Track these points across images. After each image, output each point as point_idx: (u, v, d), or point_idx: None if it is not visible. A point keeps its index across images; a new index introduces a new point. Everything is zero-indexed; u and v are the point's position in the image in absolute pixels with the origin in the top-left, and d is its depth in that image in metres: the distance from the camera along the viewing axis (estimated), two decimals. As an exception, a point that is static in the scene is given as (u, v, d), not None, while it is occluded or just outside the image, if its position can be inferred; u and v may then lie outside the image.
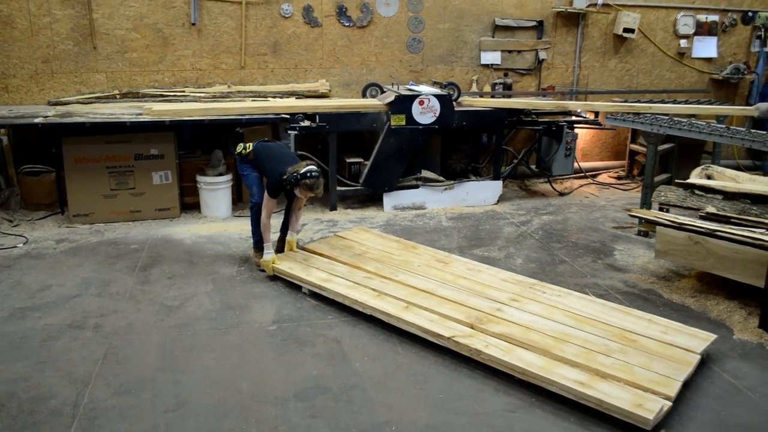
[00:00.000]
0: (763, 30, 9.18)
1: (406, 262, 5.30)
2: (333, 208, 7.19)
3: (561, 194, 8.22)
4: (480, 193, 7.58)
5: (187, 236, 6.32)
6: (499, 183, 7.69)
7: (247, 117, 6.66)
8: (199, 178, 6.89)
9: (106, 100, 7.25)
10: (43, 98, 7.27)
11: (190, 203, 7.07)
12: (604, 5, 8.69)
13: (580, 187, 8.55)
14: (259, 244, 5.50)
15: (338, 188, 7.19)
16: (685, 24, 9.10)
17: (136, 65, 7.49)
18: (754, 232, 4.67)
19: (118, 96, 7.31)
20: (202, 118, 6.55)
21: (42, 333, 4.33)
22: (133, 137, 6.58)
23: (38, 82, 7.27)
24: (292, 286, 5.08)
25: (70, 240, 6.15)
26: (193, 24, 7.48)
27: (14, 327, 4.41)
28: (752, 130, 6.09)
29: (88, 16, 7.20)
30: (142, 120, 6.38)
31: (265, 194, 5.22)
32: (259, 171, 5.50)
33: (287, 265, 5.19)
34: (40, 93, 7.29)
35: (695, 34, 9.18)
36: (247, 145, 5.60)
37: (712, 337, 4.13)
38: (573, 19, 8.72)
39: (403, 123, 7.01)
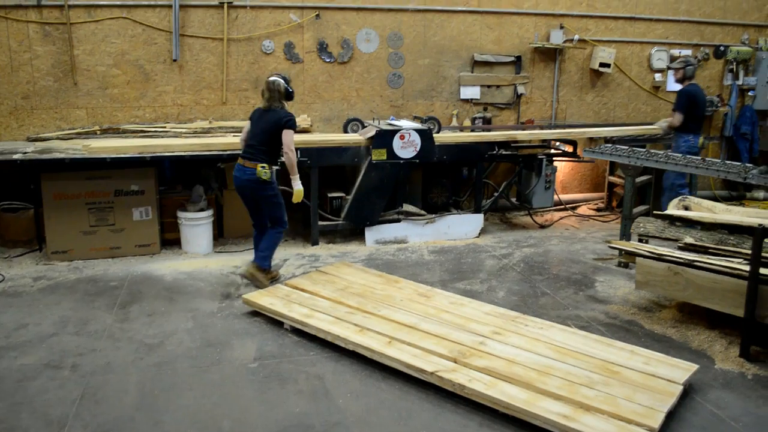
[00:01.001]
0: (734, 64, 9.42)
1: (389, 297, 5.28)
2: (315, 243, 7.18)
3: (542, 227, 8.27)
4: (461, 227, 7.61)
5: (167, 272, 6.26)
6: (480, 216, 7.73)
7: (228, 152, 6.66)
8: (180, 213, 6.85)
9: (86, 135, 7.23)
10: (23, 134, 7.24)
11: (170, 239, 7.02)
12: (580, 41, 8.86)
13: (561, 219, 8.62)
14: (268, 265, 5.79)
15: (320, 223, 7.18)
16: (660, 58, 9.30)
17: (117, 101, 7.50)
18: (732, 261, 4.73)
19: (98, 132, 7.30)
20: (142, 155, 6.39)
21: (18, 373, 4.24)
22: (113, 173, 6.56)
23: (18, 117, 7.24)
24: (274, 322, 5.03)
25: (48, 277, 6.08)
26: (175, 60, 7.52)
27: (-11, 367, 4.32)
28: (727, 162, 6.20)
29: (69, 52, 7.22)
30: (123, 156, 6.36)
31: (291, 133, 5.52)
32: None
33: (268, 301, 5.16)
34: (19, 129, 7.26)
35: (669, 68, 9.37)
36: (264, 166, 5.53)
37: (694, 367, 4.14)
38: (550, 55, 8.88)
39: (385, 157, 7.05)
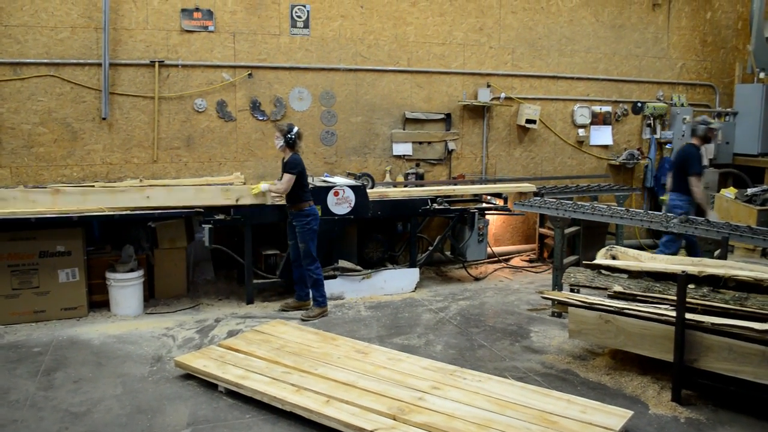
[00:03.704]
0: (651, 119, 9.95)
1: (326, 355, 5.21)
2: (250, 302, 7.05)
3: (476, 279, 8.38)
4: (397, 281, 7.63)
5: (95, 336, 6.02)
6: (416, 270, 7.78)
7: (159, 211, 6.53)
8: (109, 274, 6.63)
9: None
10: (-60, 196, 6.93)
11: (98, 301, 6.76)
12: (507, 98, 9.20)
13: (495, 271, 8.76)
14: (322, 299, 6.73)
15: (255, 281, 7.08)
16: (582, 114, 9.73)
17: (43, 160, 7.30)
18: (659, 308, 4.89)
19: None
20: (69, 214, 6.21)
21: (-71, 450, 3.97)
22: (38, 234, 6.32)
23: (-65, 179, 6.96)
24: (208, 384, 4.88)
25: (-35, 346, 5.76)
26: (104, 118, 7.41)
27: None
28: (650, 212, 6.47)
29: (-8, 111, 7.04)
30: (48, 216, 6.15)
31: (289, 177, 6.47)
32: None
33: (202, 363, 5.01)
34: (-64, 191, 6.96)
35: (591, 123, 9.82)
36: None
37: (629, 413, 4.22)
38: (479, 112, 9.17)
39: (319, 214, 7.05)
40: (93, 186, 7.22)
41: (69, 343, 5.85)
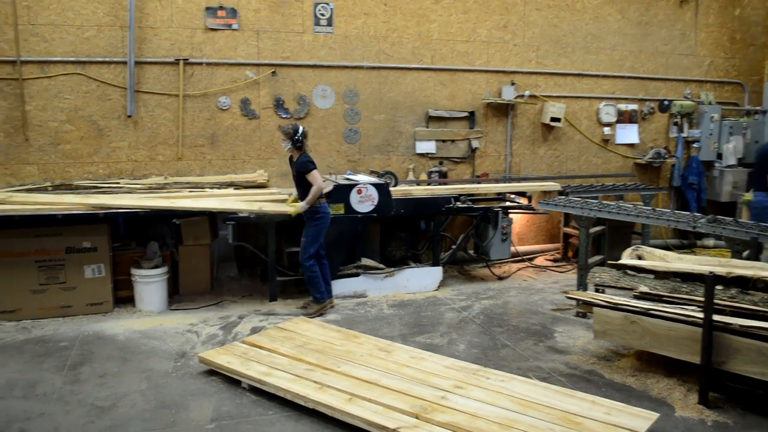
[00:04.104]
0: (679, 117, 9.80)
1: (349, 353, 5.21)
2: (273, 299, 7.08)
3: (500, 278, 8.33)
4: (420, 280, 7.61)
5: (120, 332, 6.08)
6: (439, 269, 7.75)
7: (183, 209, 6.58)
8: (134, 270, 6.70)
9: (37, 192, 7.06)
10: (-30, 192, 7.06)
11: (124, 297, 6.84)
12: (531, 96, 9.12)
13: (518, 270, 8.70)
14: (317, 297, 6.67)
15: (278, 278, 7.10)
16: (607, 113, 9.62)
17: (70, 157, 7.39)
18: (686, 309, 4.82)
19: (50, 188, 7.14)
20: (95, 211, 6.33)
21: (-41, 442, 4.04)
22: (64, 230, 6.41)
23: (-35, 175, 7.08)
24: (231, 381, 4.90)
25: (-7, 340, 5.85)
26: (129, 116, 7.48)
27: (-72, 437, 4.10)
28: (676, 211, 6.38)
29: (21, 108, 7.13)
30: (75, 212, 6.23)
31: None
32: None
33: (225, 359, 5.04)
34: (-34, 186, 7.09)
35: (617, 121, 9.70)
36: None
37: (655, 416, 4.16)
38: (503, 110, 9.11)
39: (342, 212, 7.06)
40: (118, 183, 7.32)
41: (95, 338, 5.91)
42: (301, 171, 6.45)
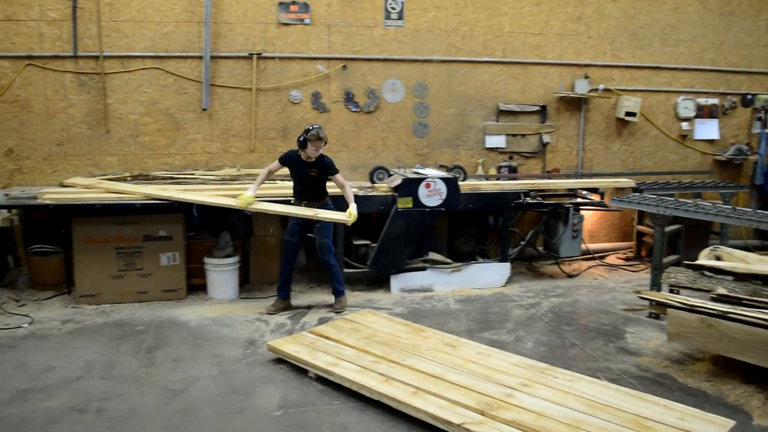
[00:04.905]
0: (762, 112, 9.35)
1: (414, 346, 5.22)
2: (340, 290, 7.15)
3: (569, 276, 8.17)
4: (488, 275, 7.55)
5: (192, 318, 6.27)
6: (507, 265, 7.66)
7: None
8: (207, 259, 6.89)
9: (117, 182, 7.35)
10: (56, 179, 7.39)
11: (196, 284, 7.04)
12: (606, 90, 8.89)
13: (589, 268, 8.51)
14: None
15: (346, 270, 7.17)
16: (686, 107, 9.28)
17: (148, 148, 7.65)
18: (767, 313, 4.61)
19: (129, 178, 7.41)
20: (171, 201, 6.50)
21: (43, 416, 4.24)
22: (142, 218, 6.65)
23: (51, 163, 7.42)
24: (298, 369, 4.99)
25: (75, 321, 6.11)
26: (204, 109, 7.68)
27: (15, 410, 4.32)
28: (758, 211, 6.11)
29: (103, 101, 7.41)
30: (153, 202, 6.45)
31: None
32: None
33: (293, 348, 5.12)
34: (52, 174, 7.42)
35: (696, 116, 9.35)
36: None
37: (731, 423, 4.00)
38: (575, 104, 8.91)
39: (410, 205, 7.06)
40: (193, 174, 7.52)
41: (169, 324, 6.11)
42: (331, 172, 6.33)
